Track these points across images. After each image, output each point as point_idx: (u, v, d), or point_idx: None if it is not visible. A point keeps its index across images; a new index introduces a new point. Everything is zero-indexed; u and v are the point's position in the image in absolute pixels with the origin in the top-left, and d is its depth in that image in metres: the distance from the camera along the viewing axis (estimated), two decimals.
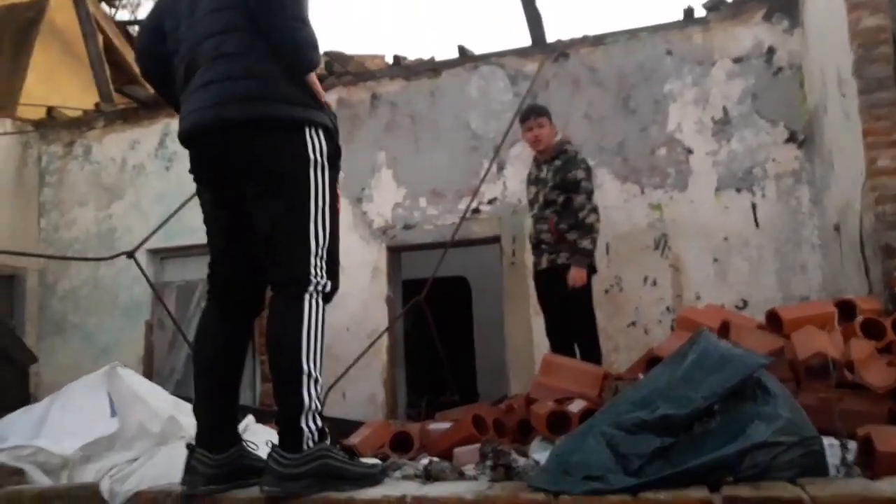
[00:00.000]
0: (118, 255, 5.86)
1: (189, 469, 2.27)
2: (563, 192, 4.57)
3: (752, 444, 1.94)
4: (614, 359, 4.99)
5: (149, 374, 6.19)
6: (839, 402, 2.45)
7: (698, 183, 5.33)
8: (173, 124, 7.00)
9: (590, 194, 4.57)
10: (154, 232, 5.85)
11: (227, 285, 2.42)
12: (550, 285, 4.62)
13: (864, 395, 2.56)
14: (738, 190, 5.25)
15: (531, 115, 4.84)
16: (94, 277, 6.79)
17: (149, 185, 6.81)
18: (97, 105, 7.35)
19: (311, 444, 2.12)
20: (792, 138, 5.19)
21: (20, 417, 3.16)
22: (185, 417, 2.77)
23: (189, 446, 2.31)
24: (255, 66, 2.25)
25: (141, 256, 6.00)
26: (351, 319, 5.66)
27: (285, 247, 2.25)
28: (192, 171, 2.43)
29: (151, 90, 7.47)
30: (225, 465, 2.27)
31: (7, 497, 2.49)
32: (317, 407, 2.16)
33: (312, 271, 2.23)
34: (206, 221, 2.47)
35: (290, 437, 2.13)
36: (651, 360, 3.21)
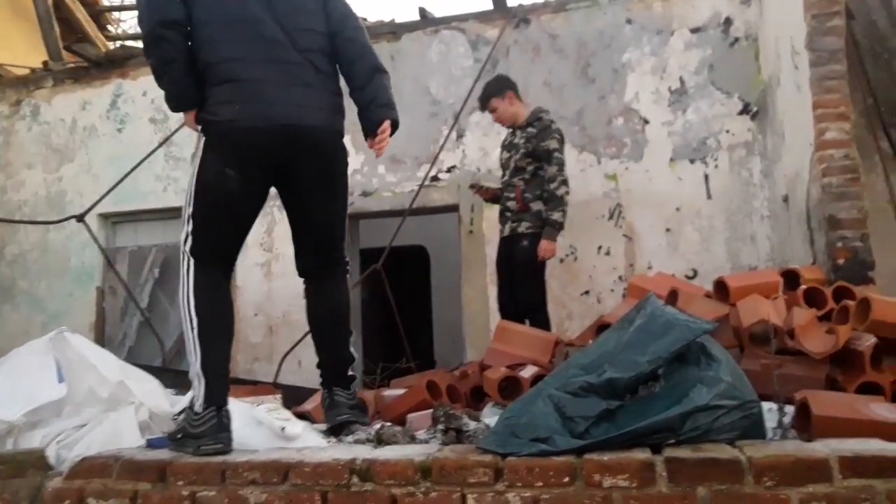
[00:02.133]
0: (67, 219, 5.74)
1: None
2: (534, 161, 4.54)
3: (694, 407, 2.00)
4: (567, 326, 5.07)
5: (100, 340, 6.10)
6: (779, 368, 2.53)
7: (653, 153, 5.39)
8: (125, 85, 6.88)
9: (561, 165, 4.51)
10: (105, 195, 5.72)
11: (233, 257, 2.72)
12: (507, 253, 4.63)
13: (804, 361, 2.64)
14: (692, 161, 5.33)
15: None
16: (44, 242, 6.63)
17: (100, 148, 6.63)
18: (45, 63, 7.10)
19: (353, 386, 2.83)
20: (745, 110, 5.27)
21: None
22: (134, 383, 2.75)
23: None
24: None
25: (92, 221, 5.87)
26: None
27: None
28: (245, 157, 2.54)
29: (102, 49, 7.30)
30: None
31: None
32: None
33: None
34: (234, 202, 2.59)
35: (346, 380, 2.80)
36: (601, 327, 3.27)
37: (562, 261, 5.30)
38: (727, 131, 5.29)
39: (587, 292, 5.36)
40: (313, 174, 2.66)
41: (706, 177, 5.29)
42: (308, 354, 5.52)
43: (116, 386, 2.73)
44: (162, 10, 2.48)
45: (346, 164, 2.78)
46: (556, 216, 4.43)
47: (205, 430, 2.34)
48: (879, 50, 4.09)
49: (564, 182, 4.49)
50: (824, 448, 1.89)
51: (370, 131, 2.75)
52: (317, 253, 2.81)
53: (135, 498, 2.18)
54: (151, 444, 2.48)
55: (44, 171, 6.77)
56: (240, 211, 2.62)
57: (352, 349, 2.86)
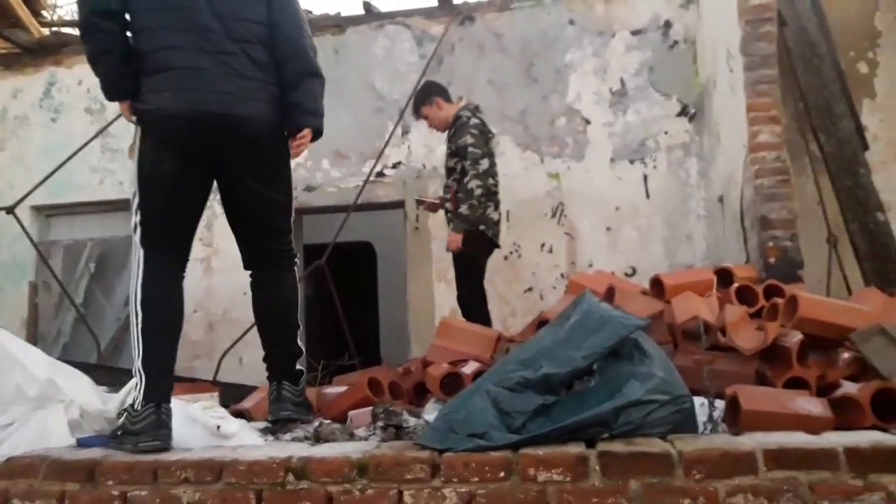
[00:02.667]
0: None
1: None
2: (460, 160, 4.54)
3: (627, 401, 2.04)
4: (511, 323, 5.12)
5: (33, 337, 5.90)
6: (711, 364, 2.59)
7: (594, 153, 5.49)
8: (59, 73, 6.66)
9: (476, 160, 4.39)
10: (37, 186, 5.53)
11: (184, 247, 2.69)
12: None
13: (735, 357, 2.72)
14: (632, 161, 5.44)
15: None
16: None
17: (33, 138, 6.41)
18: None
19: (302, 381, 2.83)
20: (683, 112, 5.41)
21: None
22: (64, 380, 2.66)
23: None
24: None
25: (24, 213, 5.67)
26: (247, 282, 5.56)
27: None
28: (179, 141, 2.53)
29: (35, 34, 7.05)
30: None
31: None
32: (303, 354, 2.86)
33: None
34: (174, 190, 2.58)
35: (293, 375, 2.79)
36: (541, 323, 3.31)
37: (506, 258, 5.35)
38: (665, 132, 5.41)
39: (530, 289, 5.42)
40: (247, 164, 2.63)
41: (645, 177, 5.41)
42: (249, 352, 5.49)
43: (45, 383, 2.63)
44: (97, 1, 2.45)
45: (284, 155, 2.74)
46: (463, 209, 4.35)
47: (143, 427, 2.31)
48: (810, 55, 4.23)
49: (477, 175, 4.37)
50: (751, 441, 1.95)
51: (291, 135, 2.74)
52: (257, 245, 2.79)
53: (62, 499, 2.12)
54: (81, 444, 2.42)
55: None
56: (182, 198, 2.58)
57: (300, 343, 2.84)
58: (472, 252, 4.44)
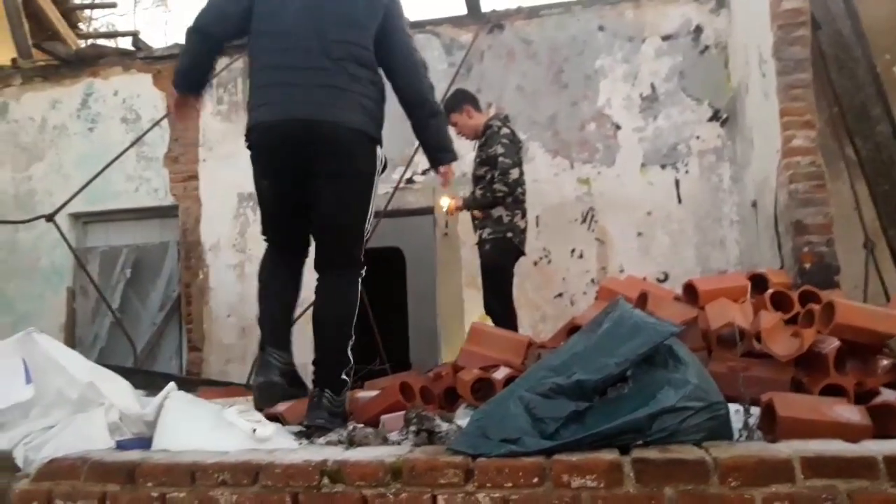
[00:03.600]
0: (37, 218, 5.67)
1: (265, 364, 2.89)
2: (490, 169, 4.56)
3: (661, 408, 2.03)
4: (541, 328, 5.11)
5: (71, 342, 6.03)
6: (746, 370, 2.57)
7: (625, 158, 5.46)
8: (96, 84, 6.81)
9: (507, 170, 4.42)
10: (75, 195, 5.66)
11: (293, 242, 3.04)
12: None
13: (770, 364, 2.68)
14: (663, 166, 5.40)
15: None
16: (13, 242, 6.53)
17: (71, 147, 6.56)
18: (14, 61, 7.00)
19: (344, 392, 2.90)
20: (715, 116, 5.36)
21: None
22: (104, 384, 2.71)
23: (261, 346, 2.95)
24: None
25: (62, 220, 5.81)
26: None
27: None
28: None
29: (73, 47, 7.21)
30: (289, 365, 2.94)
31: None
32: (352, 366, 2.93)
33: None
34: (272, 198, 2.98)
35: (337, 384, 2.84)
36: (572, 329, 3.29)
37: (535, 263, 5.35)
38: (697, 137, 5.37)
39: (560, 295, 5.41)
40: (331, 169, 2.77)
41: (677, 182, 5.37)
42: None
43: (86, 387, 2.69)
44: (202, 18, 2.86)
45: (366, 166, 2.85)
46: (478, 194, 4.53)
47: (256, 369, 2.83)
48: (844, 58, 4.18)
49: (505, 184, 4.43)
50: (787, 449, 1.93)
51: (433, 169, 3.20)
52: (326, 251, 2.91)
53: (103, 499, 2.16)
54: (121, 446, 2.46)
55: (12, 170, 6.67)
56: (280, 207, 2.94)
57: (349, 354, 2.90)
58: (499, 261, 4.48)
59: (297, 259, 3.06)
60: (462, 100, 4.78)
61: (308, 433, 2.67)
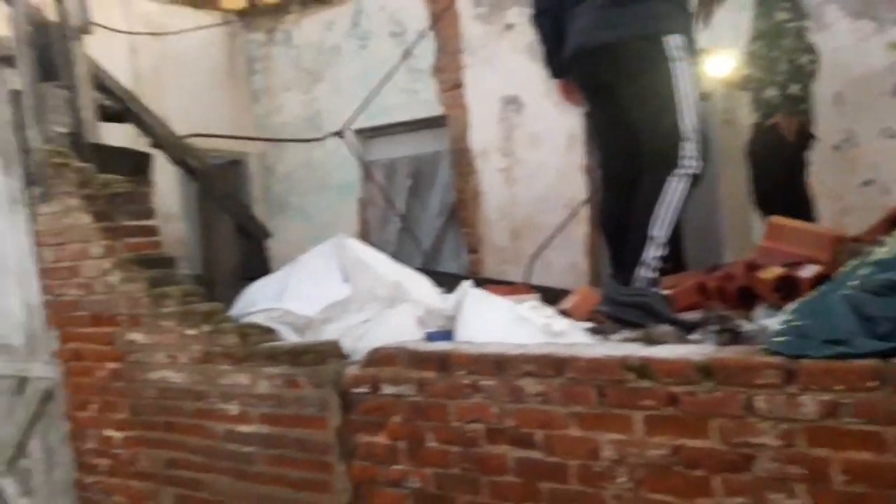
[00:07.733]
0: (330, 136, 6.20)
1: (612, 301, 2.92)
2: None
3: None
4: (845, 222, 4.55)
5: None
6: None
7: None
8: (365, 2, 7.13)
9: None
10: (358, 112, 6.07)
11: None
12: None
13: None
14: None
15: None
16: (308, 159, 7.21)
17: (346, 66, 6.97)
18: None
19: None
20: None
21: (264, 285, 3.51)
22: (408, 282, 2.94)
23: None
24: None
25: (348, 137, 6.28)
26: (548, 189, 5.64)
27: None
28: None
29: None
30: (634, 298, 2.84)
31: (268, 350, 2.83)
32: (649, 263, 2.82)
33: None
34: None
35: (627, 279, 2.84)
36: (894, 220, 2.90)
37: (836, 147, 4.73)
38: None
39: (870, 182, 4.73)
40: (620, 81, 2.94)
41: None
42: (556, 257, 5.61)
43: (393, 285, 2.94)
44: (533, 4, 3.22)
45: (650, 66, 2.84)
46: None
47: None
48: None
49: None
50: None
51: None
52: (640, 150, 2.96)
53: (422, 384, 2.37)
54: (430, 338, 2.67)
55: (300, 92, 7.29)
56: (599, 131, 3.29)
57: (647, 253, 2.83)
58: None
59: (627, 187, 3.17)
60: None
61: (601, 328, 2.68)
